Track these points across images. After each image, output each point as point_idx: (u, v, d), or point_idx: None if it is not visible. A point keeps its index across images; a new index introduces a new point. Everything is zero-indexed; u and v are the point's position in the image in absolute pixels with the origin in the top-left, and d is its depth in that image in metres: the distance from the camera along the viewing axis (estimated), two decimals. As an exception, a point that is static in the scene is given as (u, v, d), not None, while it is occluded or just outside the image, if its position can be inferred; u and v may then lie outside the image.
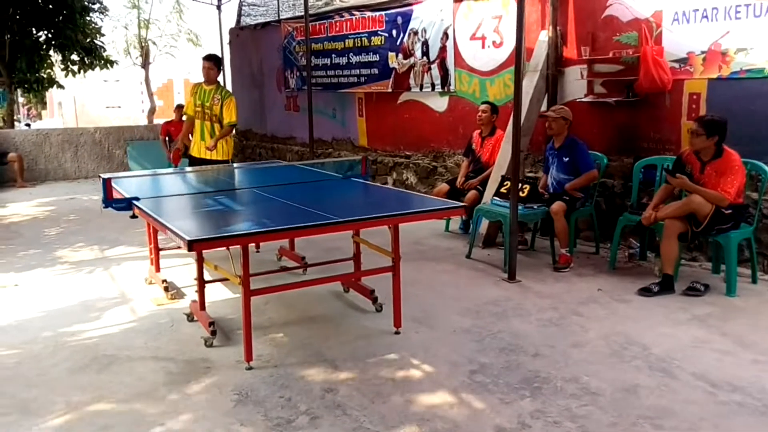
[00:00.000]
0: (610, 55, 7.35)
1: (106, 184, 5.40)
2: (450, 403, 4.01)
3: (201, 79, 8.14)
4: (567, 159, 7.00)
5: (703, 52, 6.59)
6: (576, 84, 7.82)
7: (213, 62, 8.04)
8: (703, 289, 5.88)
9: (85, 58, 16.87)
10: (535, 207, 6.91)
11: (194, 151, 8.13)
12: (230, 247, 4.49)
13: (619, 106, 7.36)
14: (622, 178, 7.47)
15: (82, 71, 17.28)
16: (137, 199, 5.35)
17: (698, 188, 5.81)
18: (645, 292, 5.89)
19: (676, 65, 6.80)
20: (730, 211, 5.79)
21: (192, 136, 8.25)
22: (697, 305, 5.61)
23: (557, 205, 6.74)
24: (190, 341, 5.03)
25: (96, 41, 17.13)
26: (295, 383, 4.28)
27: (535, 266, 6.88)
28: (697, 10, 6.56)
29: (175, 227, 4.28)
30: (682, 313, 5.43)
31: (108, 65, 17.57)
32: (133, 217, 5.54)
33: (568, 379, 4.28)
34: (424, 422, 3.78)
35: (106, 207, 5.43)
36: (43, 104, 39.20)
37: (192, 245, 3.97)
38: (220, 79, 8.37)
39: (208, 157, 7.93)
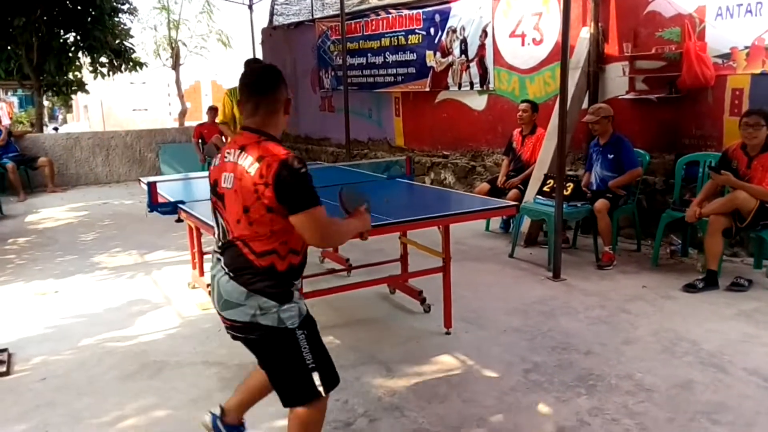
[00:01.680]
0: (653, 51, 7.28)
1: (152, 188, 5.33)
2: (508, 402, 4.02)
3: (234, 83, 8.02)
4: (612, 156, 6.97)
5: (746, 48, 6.53)
6: (618, 81, 7.76)
7: None
8: (746, 285, 5.91)
9: (114, 60, 16.46)
10: (579, 205, 6.89)
11: None
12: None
13: (660, 102, 7.29)
14: (663, 175, 7.42)
15: (110, 73, 17.01)
16: (182, 202, 5.30)
17: (743, 184, 5.81)
18: (690, 288, 5.90)
19: (719, 61, 6.74)
20: (774, 206, 5.78)
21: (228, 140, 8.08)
22: (742, 300, 5.63)
23: (601, 203, 6.72)
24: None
25: (125, 43, 16.81)
26: (350, 386, 4.27)
27: (578, 264, 6.87)
28: (741, 4, 6.50)
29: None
30: (728, 309, 5.45)
31: (137, 67, 17.21)
32: (179, 221, 5.49)
33: (622, 376, 4.30)
34: (484, 422, 3.80)
35: (151, 211, 5.35)
36: (69, 107, 38.84)
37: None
38: None
39: None
